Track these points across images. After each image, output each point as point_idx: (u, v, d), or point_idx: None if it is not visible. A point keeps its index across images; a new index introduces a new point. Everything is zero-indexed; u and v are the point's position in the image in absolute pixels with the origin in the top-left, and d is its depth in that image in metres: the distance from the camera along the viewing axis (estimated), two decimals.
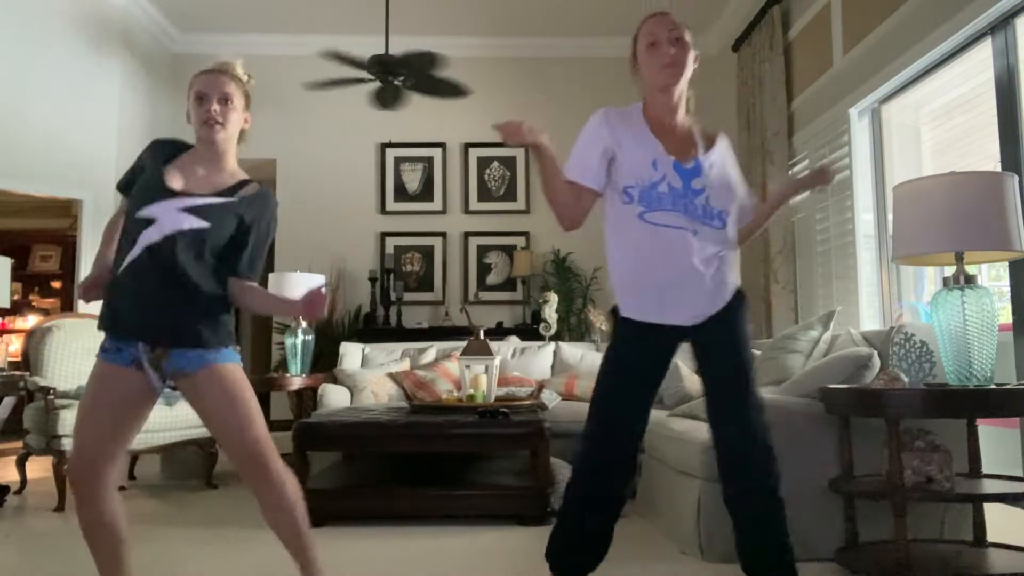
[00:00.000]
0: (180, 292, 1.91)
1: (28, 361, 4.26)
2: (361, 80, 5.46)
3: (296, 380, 4.70)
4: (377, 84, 5.49)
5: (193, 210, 1.94)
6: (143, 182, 1.98)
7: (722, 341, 1.99)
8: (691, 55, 2.03)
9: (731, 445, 1.97)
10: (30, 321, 8.03)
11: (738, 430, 1.96)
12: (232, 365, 1.97)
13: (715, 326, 1.99)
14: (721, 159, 2.08)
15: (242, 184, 2.04)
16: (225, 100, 2.00)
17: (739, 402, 1.96)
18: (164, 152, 2.04)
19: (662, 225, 1.95)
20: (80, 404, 1.92)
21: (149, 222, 1.90)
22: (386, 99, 5.60)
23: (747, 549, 2.01)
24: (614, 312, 2.09)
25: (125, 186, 2.06)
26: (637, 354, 2.03)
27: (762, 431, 1.96)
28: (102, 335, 1.96)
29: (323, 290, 1.94)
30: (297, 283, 4.66)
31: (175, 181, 1.97)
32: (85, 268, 6.06)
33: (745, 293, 2.06)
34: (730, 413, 1.97)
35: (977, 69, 3.68)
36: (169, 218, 1.91)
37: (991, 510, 2.69)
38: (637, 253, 2.00)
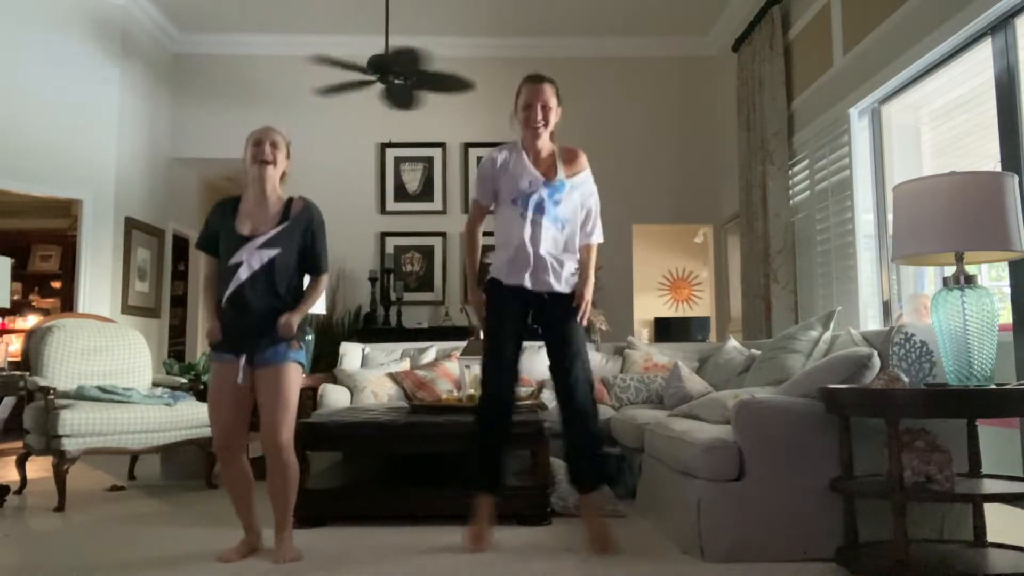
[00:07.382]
0: (266, 309, 2.64)
1: (28, 361, 4.26)
2: (366, 83, 5.46)
3: None
4: (383, 84, 5.48)
5: (265, 244, 2.65)
6: (225, 239, 2.68)
7: (557, 317, 2.91)
8: (553, 115, 2.88)
9: (559, 385, 2.87)
10: (30, 321, 8.03)
11: (561, 379, 2.86)
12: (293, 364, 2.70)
13: (555, 304, 2.90)
14: (580, 182, 2.92)
15: (288, 204, 2.75)
16: (274, 144, 2.77)
17: (564, 360, 2.88)
18: (229, 208, 2.74)
19: (534, 221, 2.85)
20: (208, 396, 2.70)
21: (239, 265, 2.62)
22: (397, 98, 5.60)
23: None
24: (489, 283, 2.96)
25: (204, 244, 2.78)
26: (500, 310, 2.90)
27: (581, 385, 2.85)
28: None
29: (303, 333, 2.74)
30: None
31: (245, 228, 2.68)
32: (85, 268, 6.08)
33: (575, 295, 2.92)
34: (557, 366, 2.89)
35: (977, 69, 3.68)
36: (251, 258, 2.64)
37: (991, 510, 2.69)
38: (514, 234, 2.88)
